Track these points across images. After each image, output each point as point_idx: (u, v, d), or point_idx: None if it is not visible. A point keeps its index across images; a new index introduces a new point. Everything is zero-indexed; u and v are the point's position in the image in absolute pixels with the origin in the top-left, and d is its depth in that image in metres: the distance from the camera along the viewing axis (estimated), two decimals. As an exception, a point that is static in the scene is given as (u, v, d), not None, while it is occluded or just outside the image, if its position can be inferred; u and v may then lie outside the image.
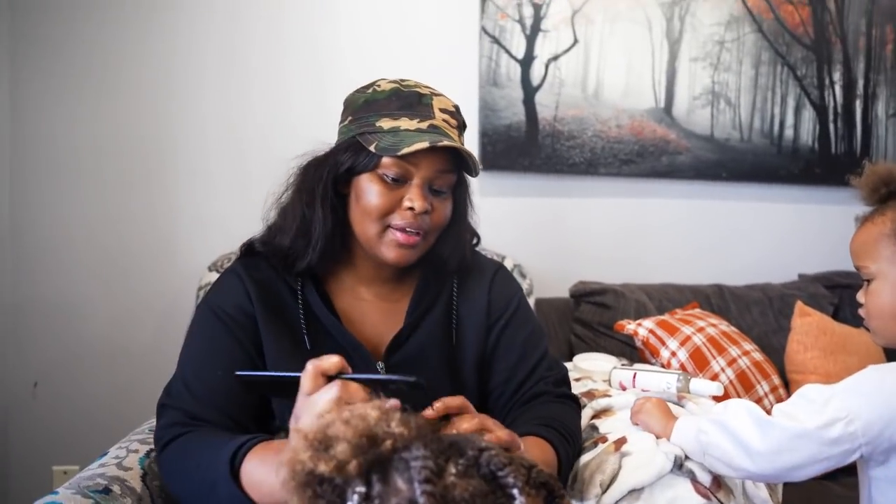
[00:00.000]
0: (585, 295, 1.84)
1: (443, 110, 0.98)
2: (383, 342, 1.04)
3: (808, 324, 1.73)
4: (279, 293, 1.03)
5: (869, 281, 0.97)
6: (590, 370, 1.50)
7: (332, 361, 0.76)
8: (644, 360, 1.61)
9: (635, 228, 2.14)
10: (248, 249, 1.08)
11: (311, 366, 0.76)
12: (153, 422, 1.17)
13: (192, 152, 1.90)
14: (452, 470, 0.57)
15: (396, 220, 0.96)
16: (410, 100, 0.97)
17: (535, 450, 0.96)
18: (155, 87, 1.87)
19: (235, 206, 1.86)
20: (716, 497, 1.11)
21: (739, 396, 1.51)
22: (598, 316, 1.77)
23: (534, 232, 2.03)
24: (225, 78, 1.90)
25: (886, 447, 0.87)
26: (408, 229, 0.96)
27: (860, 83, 2.36)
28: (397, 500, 0.54)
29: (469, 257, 1.12)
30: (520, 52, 2.03)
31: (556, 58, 2.05)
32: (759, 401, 1.53)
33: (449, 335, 1.09)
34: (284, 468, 0.56)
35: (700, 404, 1.31)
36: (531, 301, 1.79)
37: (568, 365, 1.58)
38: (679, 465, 1.12)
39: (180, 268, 1.88)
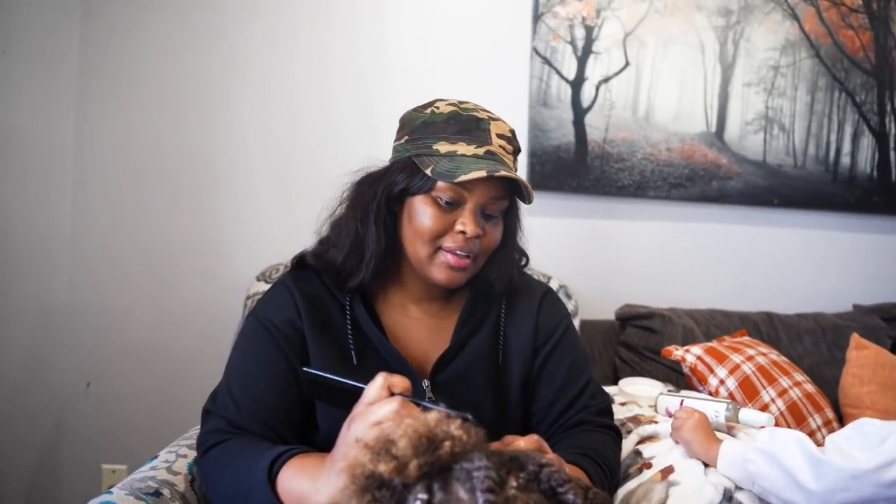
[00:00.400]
0: (632, 318, 1.82)
1: (500, 136, 0.99)
2: (429, 360, 1.04)
3: (864, 356, 1.67)
4: (328, 308, 1.04)
5: None
6: (636, 395, 1.48)
7: (402, 381, 0.79)
8: (691, 387, 1.58)
9: (683, 253, 2.11)
10: (300, 262, 1.09)
11: (382, 378, 0.78)
12: (194, 429, 1.21)
13: (239, 165, 1.95)
14: (513, 483, 0.58)
15: (448, 242, 0.97)
16: (469, 124, 0.98)
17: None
18: (207, 99, 1.93)
19: (280, 220, 1.90)
20: (765, 530, 1.09)
21: (791, 428, 1.48)
22: (644, 340, 1.75)
23: (580, 253, 2.02)
24: (275, 93, 1.95)
25: None
26: (458, 252, 0.97)
27: (922, 110, 2.30)
28: None
29: (517, 279, 1.12)
30: (571, 73, 2.04)
31: (606, 80, 2.05)
32: (811, 434, 1.49)
33: (495, 356, 1.09)
34: (343, 475, 0.56)
35: (750, 434, 1.28)
36: (576, 322, 1.78)
37: (613, 389, 1.56)
38: (728, 498, 1.10)
39: (228, 277, 1.92)
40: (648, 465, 1.17)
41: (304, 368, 0.85)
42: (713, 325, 1.82)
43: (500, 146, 0.98)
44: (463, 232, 0.96)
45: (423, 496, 0.55)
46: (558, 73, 2.03)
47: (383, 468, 0.54)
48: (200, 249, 1.94)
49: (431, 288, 1.07)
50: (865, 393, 1.62)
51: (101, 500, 0.90)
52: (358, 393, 0.80)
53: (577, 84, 2.04)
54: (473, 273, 1.03)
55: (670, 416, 1.35)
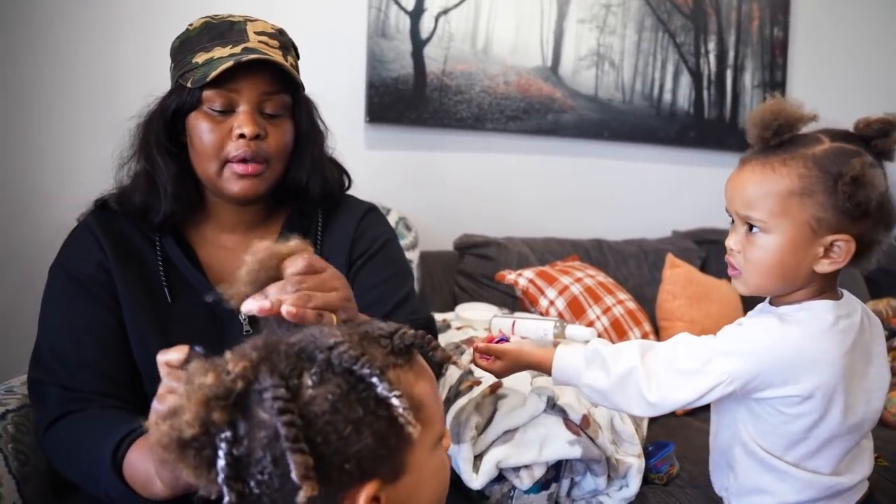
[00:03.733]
0: (469, 247, 1.87)
1: (260, 33, 0.97)
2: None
3: (676, 275, 1.83)
4: (137, 246, 1.00)
5: (751, 227, 0.90)
6: (471, 319, 1.53)
7: (176, 352, 0.69)
8: (524, 309, 1.65)
9: (520, 184, 2.18)
10: (103, 205, 1.03)
11: (161, 359, 0.69)
12: (9, 382, 1.12)
13: (57, 101, 1.75)
14: (308, 382, 0.57)
15: (231, 151, 0.95)
16: (222, 29, 0.96)
17: None
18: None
19: (102, 157, 1.74)
20: (585, 433, 1.17)
21: (613, 342, 1.57)
22: (481, 268, 1.80)
23: (420, 185, 2.03)
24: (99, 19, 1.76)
25: (752, 389, 0.89)
26: (245, 158, 0.95)
27: (731, 54, 2.49)
28: (265, 433, 0.54)
29: (335, 187, 1.10)
30: (410, 3, 2.00)
31: (446, 11, 2.03)
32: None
33: None
34: (155, 450, 0.55)
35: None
36: (416, 254, 1.79)
37: (450, 314, 1.60)
38: (552, 405, 1.17)
39: (49, 220, 1.74)
40: (478, 382, 1.22)
41: None
42: (547, 252, 1.91)
43: (262, 42, 0.96)
44: (242, 135, 0.93)
45: (227, 433, 0.54)
46: (397, 2, 1.98)
47: (189, 432, 0.53)
48: (16, 191, 1.75)
49: (244, 212, 1.04)
50: (677, 307, 1.77)
51: None
52: None
53: (416, 15, 2.01)
54: (272, 180, 1.00)
55: (503, 335, 1.40)
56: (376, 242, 1.12)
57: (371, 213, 1.16)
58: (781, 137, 0.88)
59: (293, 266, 0.73)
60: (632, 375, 0.93)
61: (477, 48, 2.07)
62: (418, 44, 2.01)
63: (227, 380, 0.55)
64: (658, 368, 0.93)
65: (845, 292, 0.95)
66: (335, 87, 1.93)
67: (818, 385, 0.87)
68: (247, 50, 0.93)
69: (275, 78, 0.96)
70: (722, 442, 1.01)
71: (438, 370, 1.21)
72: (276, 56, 0.95)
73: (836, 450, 0.92)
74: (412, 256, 1.78)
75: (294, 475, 0.51)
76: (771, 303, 0.97)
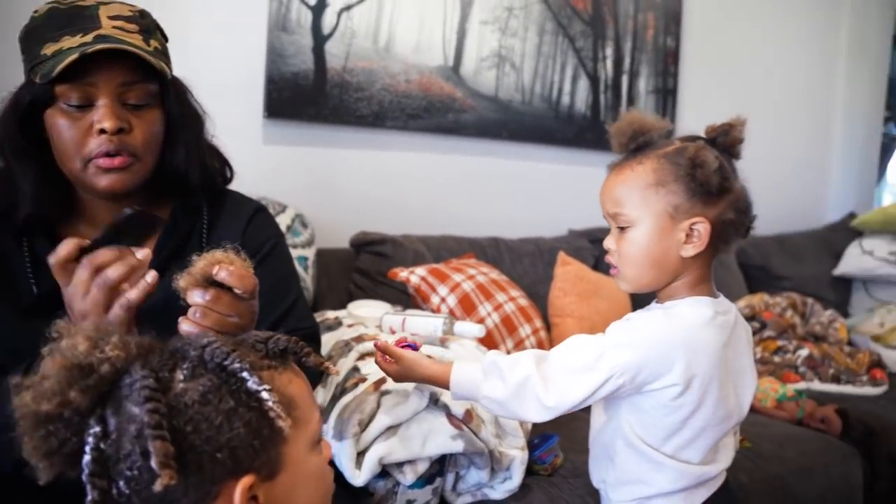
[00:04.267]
0: (365, 245, 1.87)
1: (115, 17, 0.91)
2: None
3: (567, 272, 1.89)
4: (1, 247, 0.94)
5: (622, 228, 0.98)
6: (363, 316, 1.53)
7: (64, 248, 0.75)
8: (416, 307, 1.67)
9: (419, 182, 2.19)
10: None
11: (51, 261, 0.75)
12: None
13: None
14: (180, 377, 0.58)
15: (93, 147, 0.90)
16: (70, 15, 0.90)
17: None
18: None
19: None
20: (468, 427, 1.20)
21: (504, 339, 1.63)
22: (376, 265, 1.81)
23: (319, 182, 2.01)
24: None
25: (641, 382, 0.95)
26: (109, 153, 0.90)
27: (627, 60, 2.59)
28: (135, 426, 0.54)
29: (217, 178, 1.08)
30: (312, -2, 1.98)
31: (348, 7, 2.03)
32: (520, 342, 1.65)
33: None
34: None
35: (463, 345, 1.40)
36: (312, 251, 1.79)
37: (342, 312, 1.60)
38: (435, 401, 1.19)
39: None
40: (364, 379, 1.23)
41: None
42: (443, 249, 1.94)
43: (117, 27, 0.90)
44: (102, 130, 0.88)
45: (97, 429, 0.54)
46: (299, -4, 1.97)
47: (46, 407, 0.53)
48: None
49: (118, 208, 0.98)
50: (567, 303, 1.84)
51: None
52: None
53: (318, 10, 1.99)
54: (143, 173, 0.96)
55: (393, 333, 1.43)
56: (265, 246, 1.10)
57: (260, 214, 1.13)
58: (637, 143, 0.99)
59: (221, 273, 0.76)
60: (528, 382, 0.96)
61: (379, 46, 2.07)
62: (320, 39, 1.99)
63: (97, 357, 0.55)
64: (552, 372, 0.97)
65: (721, 295, 1.03)
66: (233, 80, 1.89)
67: (697, 374, 0.94)
68: (99, 38, 0.87)
69: (136, 66, 0.90)
70: (604, 436, 1.06)
71: (319, 378, 1.21)
72: (136, 42, 0.89)
73: (707, 441, 0.99)
74: (308, 254, 1.78)
75: (153, 462, 0.51)
76: (657, 301, 1.03)
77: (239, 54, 1.90)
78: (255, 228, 1.11)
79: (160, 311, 0.97)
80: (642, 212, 0.96)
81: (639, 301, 2.07)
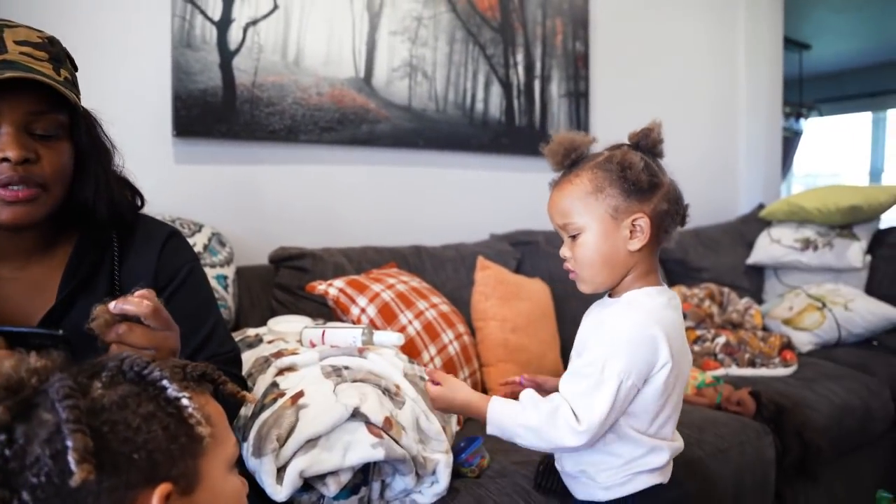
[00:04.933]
0: (284, 260, 1.85)
1: (22, 42, 0.87)
2: (32, 324, 0.94)
3: (487, 276, 1.92)
4: None
5: (574, 236, 1.08)
6: (283, 332, 1.51)
7: None
8: (337, 319, 1.66)
9: (337, 194, 2.18)
10: None
11: None
12: None
13: None
14: (98, 385, 0.58)
15: None
16: None
17: None
18: None
19: None
20: (388, 435, 1.20)
21: (427, 346, 1.64)
22: (297, 280, 1.79)
23: (234, 200, 1.98)
24: None
25: (646, 375, 1.03)
26: (12, 186, 0.86)
27: (538, 66, 2.65)
28: (46, 430, 0.53)
29: (127, 210, 1.04)
30: (216, 13, 1.95)
31: (254, 22, 2.01)
32: (444, 347, 1.66)
33: None
34: None
35: (383, 355, 1.40)
36: (231, 269, 1.76)
37: (262, 329, 1.58)
38: (354, 412, 1.19)
39: None
40: (282, 394, 1.21)
41: None
42: (365, 261, 1.93)
43: (24, 53, 0.87)
44: (5, 159, 0.85)
45: (2, 437, 0.53)
46: (202, 12, 1.93)
47: None
48: None
49: (19, 239, 0.95)
50: (489, 306, 1.86)
51: None
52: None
53: (223, 25, 1.96)
54: (50, 205, 0.93)
55: (314, 346, 1.42)
56: (181, 272, 1.08)
57: (173, 239, 1.11)
58: (571, 159, 1.10)
59: (119, 306, 0.77)
60: (559, 409, 1.03)
61: (288, 60, 2.06)
62: (227, 55, 1.96)
63: (24, 369, 0.55)
64: (573, 401, 1.03)
65: (664, 283, 1.13)
66: (140, 100, 1.85)
67: (673, 351, 1.03)
68: (5, 63, 0.83)
69: (44, 95, 0.87)
70: None
71: (238, 408, 1.20)
72: (45, 70, 0.86)
73: (676, 415, 1.10)
74: (227, 272, 1.74)
75: (70, 457, 0.50)
76: (610, 296, 1.13)
77: (144, 73, 1.85)
78: (169, 255, 1.08)
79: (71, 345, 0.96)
80: (588, 218, 1.06)
81: (560, 300, 2.12)
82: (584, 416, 1.01)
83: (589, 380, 1.02)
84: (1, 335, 0.73)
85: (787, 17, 3.90)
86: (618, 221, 1.05)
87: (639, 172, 1.03)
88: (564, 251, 1.11)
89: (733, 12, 3.63)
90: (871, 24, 5.79)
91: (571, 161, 1.10)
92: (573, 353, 1.15)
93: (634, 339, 1.02)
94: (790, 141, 6.66)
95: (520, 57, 2.59)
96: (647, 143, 1.08)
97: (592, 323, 1.13)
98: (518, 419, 1.06)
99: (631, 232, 1.05)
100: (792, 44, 5.71)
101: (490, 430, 1.10)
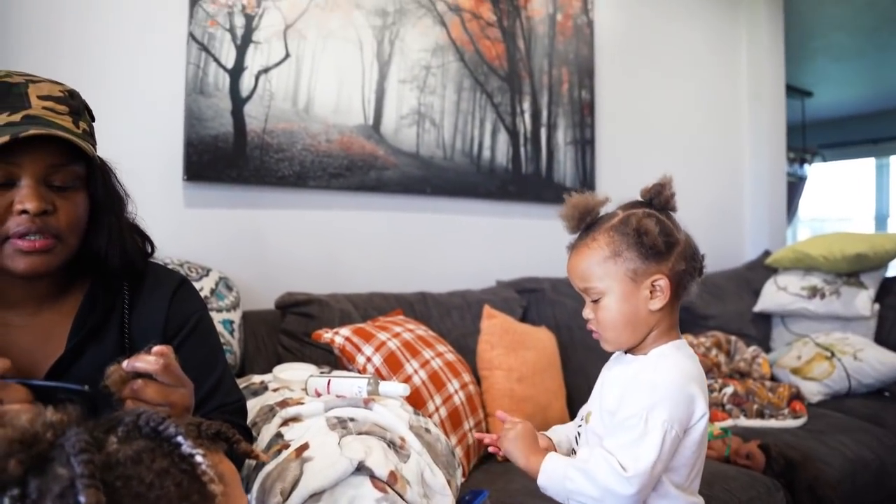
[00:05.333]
0: (291, 306, 1.85)
1: (45, 97, 0.90)
2: (41, 372, 0.94)
3: (493, 325, 1.91)
4: None
5: (596, 300, 1.09)
6: (288, 380, 1.51)
7: None
8: (342, 368, 1.65)
9: (344, 240, 2.19)
10: None
11: None
12: None
13: None
14: (114, 439, 0.57)
15: (12, 227, 0.87)
16: None
17: None
18: None
19: None
20: (393, 489, 1.18)
21: (432, 395, 1.62)
22: (303, 326, 1.78)
23: (242, 244, 1.99)
24: None
25: (688, 423, 1.04)
26: (29, 235, 0.88)
27: (544, 114, 2.68)
28: (59, 485, 0.52)
29: (138, 258, 1.05)
30: (229, 61, 1.99)
31: (266, 70, 2.05)
32: (449, 397, 1.65)
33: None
34: None
35: (388, 406, 1.38)
36: (238, 314, 1.76)
37: (268, 376, 1.57)
38: (359, 466, 1.17)
39: None
40: (287, 446, 1.20)
41: None
42: (371, 308, 1.93)
43: (47, 108, 0.89)
44: (25, 211, 0.86)
45: (14, 491, 0.52)
46: (216, 60, 1.97)
47: None
48: None
49: (31, 287, 0.96)
50: (495, 356, 1.85)
51: None
52: None
53: (235, 73, 2.00)
54: (65, 255, 0.94)
55: (319, 395, 1.40)
56: (190, 321, 1.09)
57: (183, 288, 1.11)
58: (586, 222, 1.11)
59: (133, 364, 0.78)
60: (607, 458, 1.02)
61: (298, 107, 2.09)
62: (238, 102, 2.00)
63: (40, 423, 0.54)
64: (617, 452, 1.02)
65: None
66: (152, 144, 1.88)
67: (706, 401, 1.05)
68: (28, 118, 0.85)
69: (63, 149, 0.89)
70: None
71: (243, 458, 1.19)
72: (65, 124, 0.89)
73: (702, 469, 1.11)
74: (234, 317, 1.74)
75: None
76: (628, 352, 1.13)
77: (157, 119, 1.88)
78: (179, 303, 1.09)
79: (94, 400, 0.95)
80: (607, 282, 1.07)
81: (565, 348, 2.11)
82: (631, 464, 1.00)
83: (633, 431, 1.02)
84: (27, 388, 0.73)
85: (788, 66, 3.95)
86: (637, 283, 1.07)
87: (655, 237, 1.05)
88: (587, 313, 1.13)
89: (736, 61, 3.68)
90: (868, 73, 5.89)
91: (587, 224, 1.12)
92: (604, 411, 1.13)
93: (674, 391, 1.03)
94: (794, 186, 6.68)
95: (526, 105, 2.63)
96: (661, 201, 1.10)
97: (623, 378, 1.12)
98: (573, 462, 1.07)
99: (651, 292, 1.07)
100: (794, 91, 5.79)
101: (542, 480, 1.10)
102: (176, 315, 1.08)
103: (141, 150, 1.84)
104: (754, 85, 3.70)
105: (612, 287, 1.07)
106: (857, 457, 2.01)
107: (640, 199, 1.12)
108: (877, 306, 2.80)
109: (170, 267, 1.61)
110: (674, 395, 1.02)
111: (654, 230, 1.05)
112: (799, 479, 1.74)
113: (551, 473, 1.08)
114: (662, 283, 1.06)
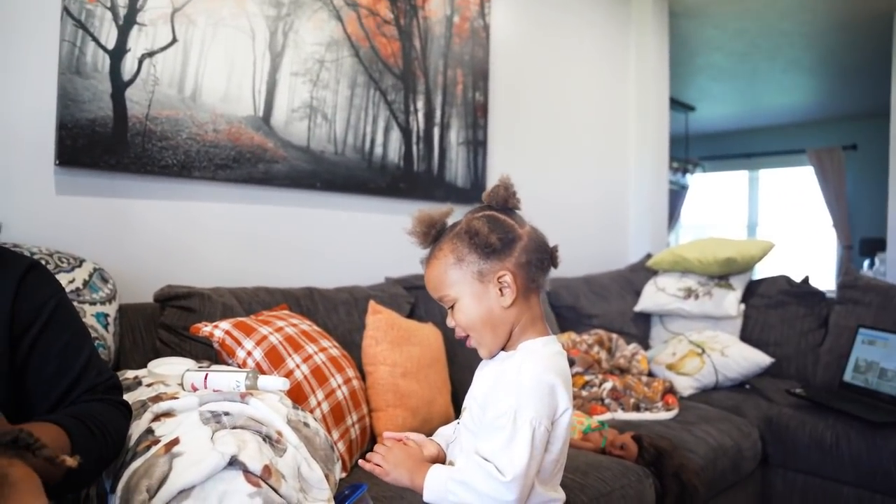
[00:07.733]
0: (171, 299, 1.78)
1: None
2: None
3: (378, 320, 1.91)
4: None
5: (452, 307, 1.14)
6: (164, 375, 1.45)
7: None
8: (222, 362, 1.61)
9: (231, 234, 2.13)
10: None
11: None
12: None
13: None
14: None
15: None
16: None
17: (42, 430, 0.87)
18: None
19: None
20: (267, 483, 1.16)
21: (314, 390, 1.61)
22: (183, 320, 1.72)
23: (121, 235, 1.90)
24: None
25: (554, 418, 1.08)
26: None
27: (438, 113, 2.72)
28: None
29: None
30: (110, 42, 1.89)
31: (151, 54, 1.96)
32: (332, 392, 1.64)
33: None
34: None
35: (265, 400, 1.36)
36: (114, 307, 1.68)
37: (142, 371, 1.51)
38: (232, 461, 1.15)
39: None
40: (156, 442, 1.16)
41: None
42: (256, 302, 1.89)
43: None
44: None
45: None
46: (95, 39, 1.87)
47: None
48: None
49: None
50: (380, 351, 1.85)
51: None
52: None
53: (117, 54, 1.90)
54: None
55: (195, 390, 1.36)
56: (46, 308, 1.03)
57: (33, 272, 1.05)
58: (432, 235, 1.16)
59: None
60: (483, 465, 1.04)
61: (185, 94, 2.02)
62: (119, 85, 1.90)
63: None
64: (492, 458, 1.04)
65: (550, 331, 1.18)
66: (19, 124, 1.75)
67: (569, 397, 1.09)
68: None
69: None
70: None
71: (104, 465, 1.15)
72: None
73: (563, 466, 1.15)
74: (109, 310, 1.66)
75: None
76: (505, 350, 1.16)
77: (25, 97, 1.76)
78: (29, 289, 1.03)
79: None
80: (458, 287, 1.12)
81: (451, 345, 2.14)
82: (507, 468, 1.03)
83: (503, 432, 1.04)
84: None
85: (674, 81, 4.20)
86: (485, 283, 1.11)
87: (486, 236, 1.09)
88: (449, 321, 1.16)
89: (625, 72, 3.87)
90: (742, 93, 6.34)
91: (433, 237, 1.16)
92: (475, 406, 1.16)
93: (537, 387, 1.06)
94: (677, 194, 7.09)
95: (420, 104, 2.65)
96: (499, 201, 1.15)
97: (491, 375, 1.15)
98: (451, 475, 1.08)
99: (500, 289, 1.11)
100: (679, 105, 6.14)
101: (427, 496, 1.11)
102: (26, 301, 1.02)
103: (5, 129, 1.72)
104: (641, 96, 3.89)
105: (464, 291, 1.12)
106: (719, 444, 2.17)
107: (483, 201, 1.17)
108: (743, 306, 3.02)
109: (36, 256, 1.53)
110: (537, 391, 1.06)
111: (483, 230, 1.09)
112: (667, 467, 1.85)
113: (434, 489, 1.10)
114: (507, 278, 1.10)
